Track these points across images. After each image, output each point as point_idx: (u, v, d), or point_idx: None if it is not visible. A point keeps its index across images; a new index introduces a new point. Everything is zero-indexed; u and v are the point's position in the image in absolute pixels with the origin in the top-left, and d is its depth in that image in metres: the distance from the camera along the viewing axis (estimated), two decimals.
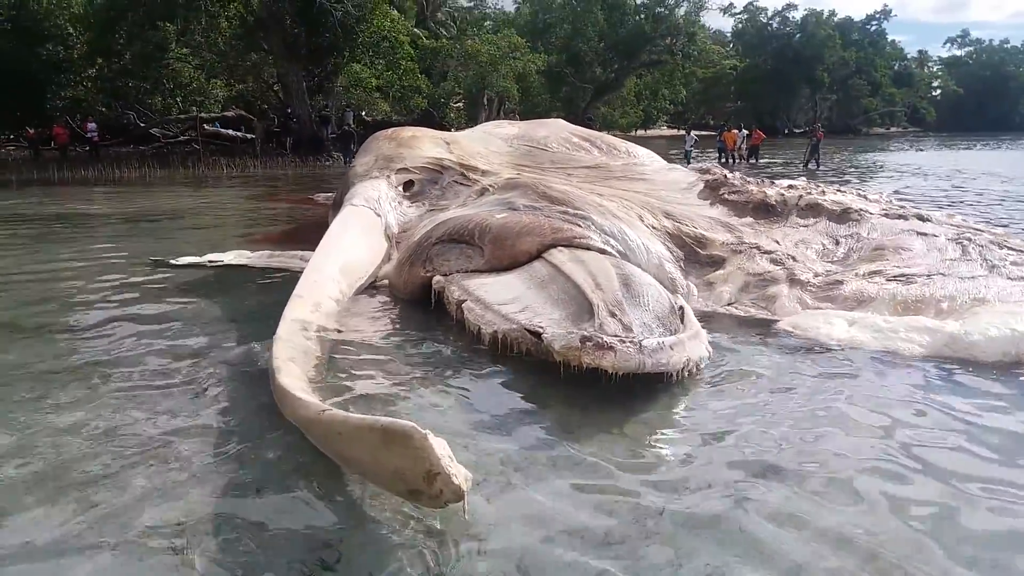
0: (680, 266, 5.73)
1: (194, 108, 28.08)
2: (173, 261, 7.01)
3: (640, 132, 48.79)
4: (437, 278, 5.24)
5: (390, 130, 7.85)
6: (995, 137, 55.32)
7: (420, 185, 6.89)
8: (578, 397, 3.73)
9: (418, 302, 5.42)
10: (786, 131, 54.27)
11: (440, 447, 2.47)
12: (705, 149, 28.84)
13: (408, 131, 7.73)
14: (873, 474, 2.96)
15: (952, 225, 6.18)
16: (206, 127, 27.48)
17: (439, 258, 5.38)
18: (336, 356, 4.32)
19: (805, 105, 59.12)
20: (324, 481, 2.92)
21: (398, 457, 2.52)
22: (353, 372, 4.10)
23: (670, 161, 10.26)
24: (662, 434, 3.40)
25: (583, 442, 3.27)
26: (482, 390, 3.91)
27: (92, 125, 25.19)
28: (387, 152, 7.10)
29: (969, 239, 5.68)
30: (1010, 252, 5.50)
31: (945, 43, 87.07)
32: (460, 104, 34.79)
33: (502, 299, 4.60)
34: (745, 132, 25.30)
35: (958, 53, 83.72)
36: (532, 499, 2.80)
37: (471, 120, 29.69)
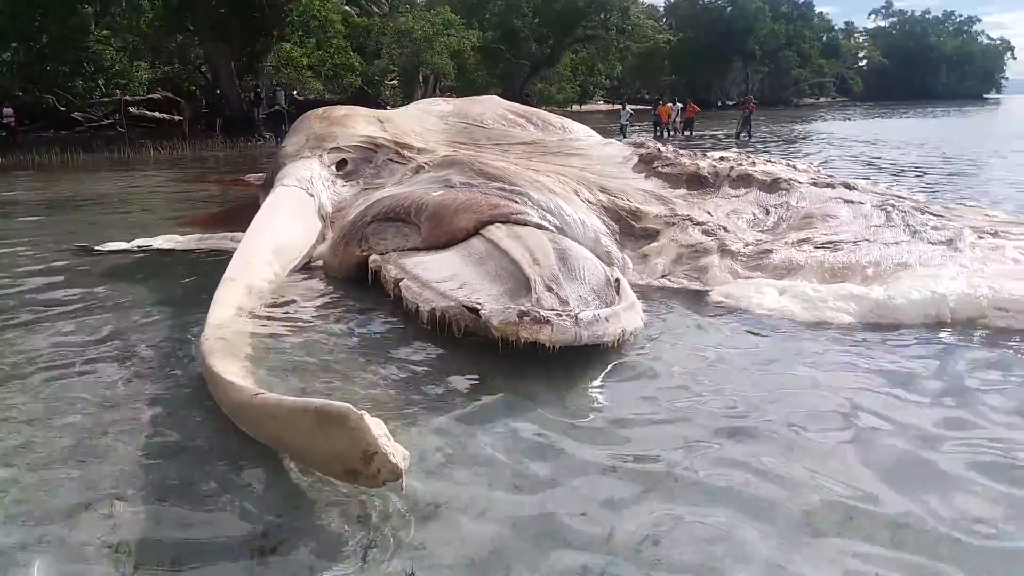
0: (616, 239, 5.78)
1: (118, 91, 27.02)
2: (99, 247, 6.77)
3: (577, 107, 48.85)
4: (373, 257, 5.17)
5: (321, 109, 7.68)
6: (920, 105, 57.23)
7: (354, 164, 6.77)
8: (516, 371, 3.74)
9: (354, 281, 5.35)
10: (719, 104, 55.09)
11: (376, 426, 2.45)
12: (640, 123, 29.09)
13: (340, 110, 7.58)
14: (805, 435, 3.05)
15: (877, 193, 6.38)
16: (132, 110, 26.52)
17: (375, 237, 5.31)
18: (270, 338, 4.24)
19: (738, 78, 60.06)
20: (257, 469, 2.87)
21: (334, 438, 2.49)
22: (288, 355, 4.03)
23: (607, 135, 10.32)
24: (600, 402, 3.45)
25: (522, 415, 3.29)
26: (420, 367, 3.90)
27: (8, 110, 24.04)
28: (319, 131, 6.95)
29: (893, 205, 5.87)
30: (931, 218, 5.70)
31: (870, 14, 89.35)
32: (395, 82, 34.27)
33: (440, 276, 4.57)
34: (679, 106, 25.57)
35: (882, 24, 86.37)
36: (472, 475, 2.80)
37: (407, 98, 29.26)
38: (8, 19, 22.76)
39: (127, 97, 26.94)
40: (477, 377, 3.76)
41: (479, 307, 3.98)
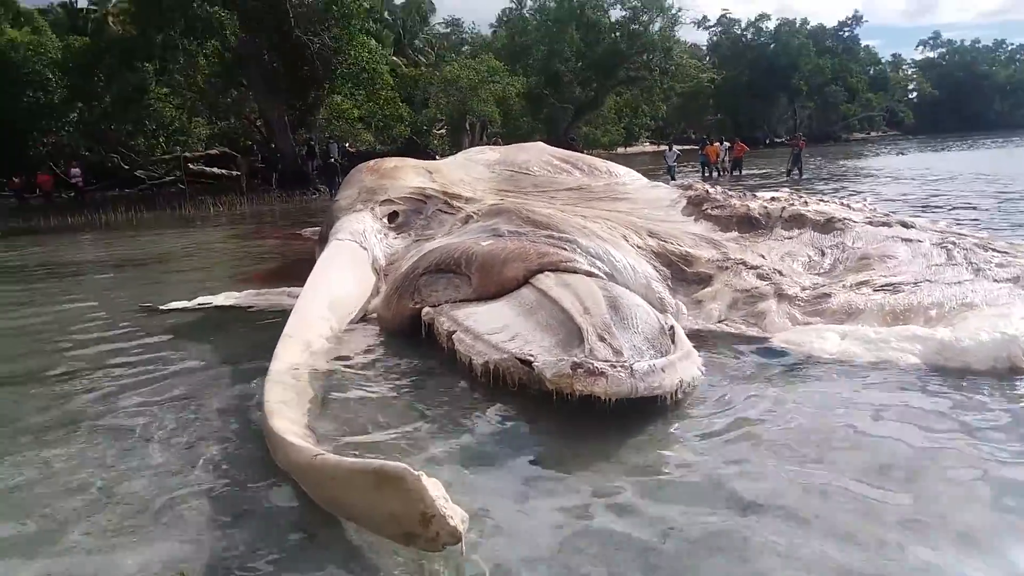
0: (668, 285, 5.73)
1: (177, 148, 28.11)
2: (162, 307, 6.96)
3: (623, 150, 49.06)
4: (426, 309, 5.21)
5: (372, 162, 7.86)
6: (973, 136, 55.94)
7: (404, 216, 6.89)
8: (573, 425, 3.70)
9: (408, 335, 5.39)
10: (767, 141, 54.70)
11: (434, 488, 2.44)
12: (688, 163, 29.03)
13: (390, 162, 7.75)
14: (874, 503, 2.94)
15: (936, 230, 6.21)
16: (191, 166, 27.50)
17: (427, 289, 5.36)
18: (329, 396, 4.29)
19: (784, 114, 59.67)
20: (326, 535, 2.86)
21: (392, 500, 2.49)
22: (347, 413, 4.06)
23: (654, 177, 10.30)
24: (661, 460, 3.37)
25: (578, 473, 3.24)
26: (477, 423, 3.88)
27: (76, 170, 25.19)
28: (370, 184, 7.11)
29: (953, 243, 5.71)
30: (995, 254, 5.53)
31: (918, 46, 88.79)
32: (443, 131, 34.93)
33: (491, 328, 4.58)
34: (727, 145, 25.48)
35: (931, 55, 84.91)
36: (530, 536, 2.76)
37: (454, 146, 29.80)
38: (76, 80, 23.98)
39: (187, 154, 28.00)
40: (531, 435, 3.73)
41: (532, 359, 3.97)
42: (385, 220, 6.82)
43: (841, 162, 30.07)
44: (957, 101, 75.56)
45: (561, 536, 2.75)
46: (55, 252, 13.18)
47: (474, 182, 7.61)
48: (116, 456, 3.64)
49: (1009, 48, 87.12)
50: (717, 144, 25.32)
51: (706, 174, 23.86)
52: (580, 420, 3.71)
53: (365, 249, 6.31)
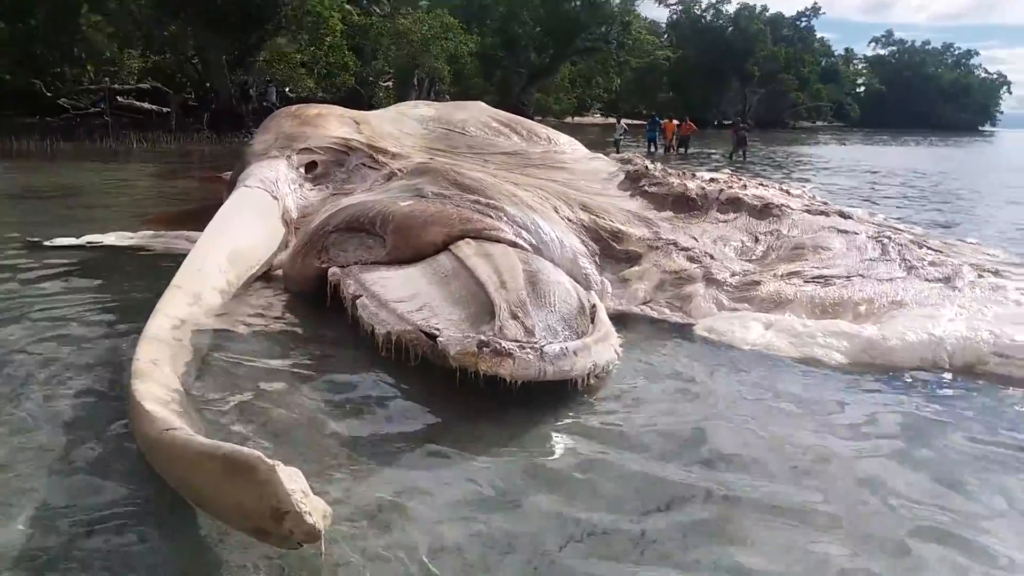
0: (595, 261, 5.45)
1: (106, 79, 26.55)
2: (47, 243, 6.39)
3: (573, 119, 48.75)
4: (333, 270, 4.80)
5: (294, 107, 7.36)
6: (915, 134, 57.36)
7: (324, 167, 6.43)
8: (474, 406, 3.41)
9: (314, 296, 4.99)
10: (716, 123, 54.99)
11: (291, 480, 2.10)
12: (636, 138, 28.86)
13: (313, 108, 7.25)
14: (784, 493, 2.72)
15: (873, 223, 6.09)
16: (120, 99, 26.05)
17: (336, 248, 4.95)
18: (211, 359, 3.88)
19: (735, 98, 59.93)
20: (172, 520, 2.50)
21: (241, 492, 2.14)
22: (228, 380, 3.67)
23: (601, 149, 9.99)
24: (564, 449, 3.10)
25: (480, 459, 2.95)
26: (373, 400, 3.55)
27: None
28: (288, 130, 6.61)
29: (889, 238, 5.58)
30: (929, 252, 5.41)
31: (870, 42, 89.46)
32: (390, 84, 33.94)
33: (400, 295, 4.22)
34: (676, 122, 25.34)
35: (882, 52, 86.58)
36: (430, 525, 2.46)
37: (401, 100, 28.96)
38: None
39: (116, 85, 26.50)
40: (431, 413, 3.42)
41: (437, 333, 3.64)
42: (302, 170, 6.35)
43: (785, 148, 30.33)
44: (902, 99, 77.32)
45: (460, 526, 2.48)
46: None
47: (404, 137, 7.17)
48: None
49: (956, 52, 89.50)
50: (676, 122, 25.09)
51: (652, 150, 23.73)
52: (485, 401, 3.42)
53: (276, 199, 5.85)
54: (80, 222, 7.78)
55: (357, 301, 4.30)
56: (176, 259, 5.72)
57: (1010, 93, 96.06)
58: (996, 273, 5.00)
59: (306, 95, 26.90)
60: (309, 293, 5.03)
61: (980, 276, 4.90)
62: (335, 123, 6.91)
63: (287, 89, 28.35)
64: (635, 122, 37.97)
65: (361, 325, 4.16)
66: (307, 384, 3.68)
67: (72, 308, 4.75)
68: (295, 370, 3.88)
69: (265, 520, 2.11)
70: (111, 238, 6.60)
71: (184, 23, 24.46)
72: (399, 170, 6.22)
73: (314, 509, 2.12)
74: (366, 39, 31.82)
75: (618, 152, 19.29)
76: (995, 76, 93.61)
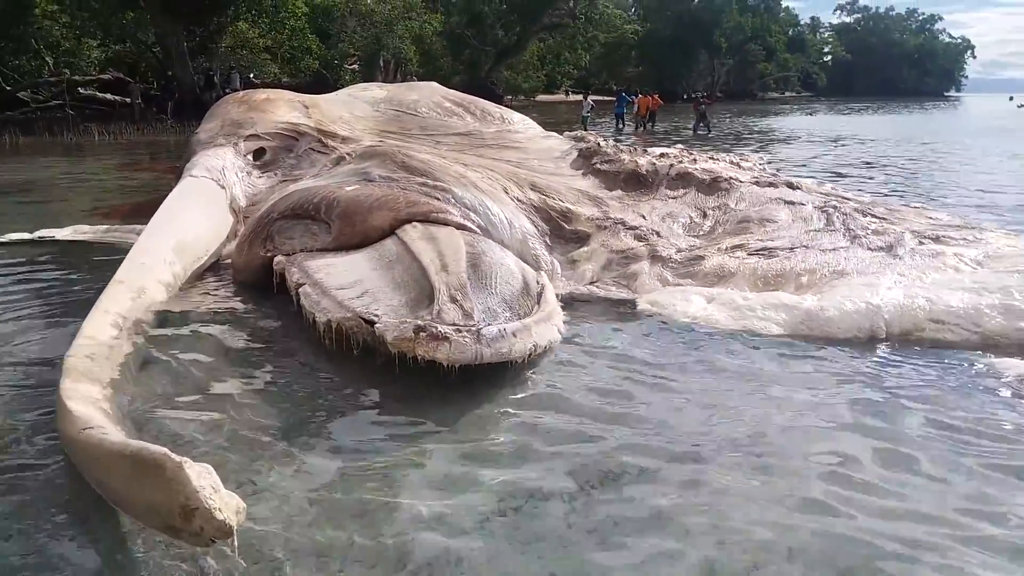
0: (545, 242, 5.46)
1: (66, 70, 25.99)
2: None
3: (544, 96, 48.53)
4: (278, 258, 4.76)
5: (241, 92, 7.26)
6: (882, 101, 57.74)
7: (272, 153, 6.35)
8: (418, 391, 3.41)
9: (262, 286, 4.95)
10: (685, 96, 54.99)
11: (199, 477, 2.09)
12: (604, 113, 28.80)
13: (262, 93, 7.15)
14: (725, 461, 2.75)
15: (821, 193, 6.13)
16: (80, 91, 25.54)
17: (281, 236, 4.90)
18: (152, 355, 3.84)
19: (704, 70, 59.96)
20: (95, 520, 2.48)
21: (151, 489, 2.13)
22: (169, 376, 3.64)
23: (570, 126, 9.94)
24: (501, 429, 3.12)
25: (416, 445, 2.96)
26: (313, 391, 3.53)
27: None
28: (235, 117, 6.51)
29: (835, 207, 5.63)
30: (873, 220, 5.47)
31: (835, 10, 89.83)
32: (355, 67, 33.55)
33: (343, 282, 4.20)
34: (638, 96, 25.31)
35: (847, 20, 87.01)
36: (363, 519, 2.46)
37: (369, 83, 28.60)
38: None
39: (76, 77, 25.96)
40: (371, 400, 3.43)
41: (375, 320, 3.63)
42: (250, 157, 6.27)
43: (752, 120, 30.44)
44: (869, 66, 77.87)
45: (395, 511, 2.49)
46: None
47: (355, 121, 7.10)
48: None
49: (920, 18, 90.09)
50: (650, 97, 25.01)
51: (620, 126, 23.69)
52: (425, 386, 3.42)
53: (223, 188, 5.78)
54: (36, 217, 7.64)
55: (300, 289, 4.27)
56: (123, 252, 5.66)
57: (974, 58, 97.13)
58: (936, 239, 5.07)
59: (270, 80, 26.55)
60: (257, 283, 5.00)
61: (921, 243, 4.96)
62: (284, 108, 6.82)
63: (251, 75, 27.94)
64: (605, 98, 37.89)
65: (303, 314, 4.14)
66: (247, 376, 3.67)
67: (16, 304, 4.68)
68: (237, 362, 3.86)
69: (175, 517, 2.10)
70: (66, 232, 6.50)
71: (141, 10, 23.98)
72: (348, 154, 6.17)
73: (225, 505, 2.11)
74: (330, 21, 31.41)
75: (585, 129, 19.27)
76: (959, 41, 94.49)
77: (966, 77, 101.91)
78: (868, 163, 14.12)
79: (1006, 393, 3.45)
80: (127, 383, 3.45)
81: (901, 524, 2.43)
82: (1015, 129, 26.74)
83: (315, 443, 3.00)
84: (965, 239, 5.15)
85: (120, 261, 4.94)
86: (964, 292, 4.26)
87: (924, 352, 3.93)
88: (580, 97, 28.48)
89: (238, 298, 4.90)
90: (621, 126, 23.74)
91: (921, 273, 4.54)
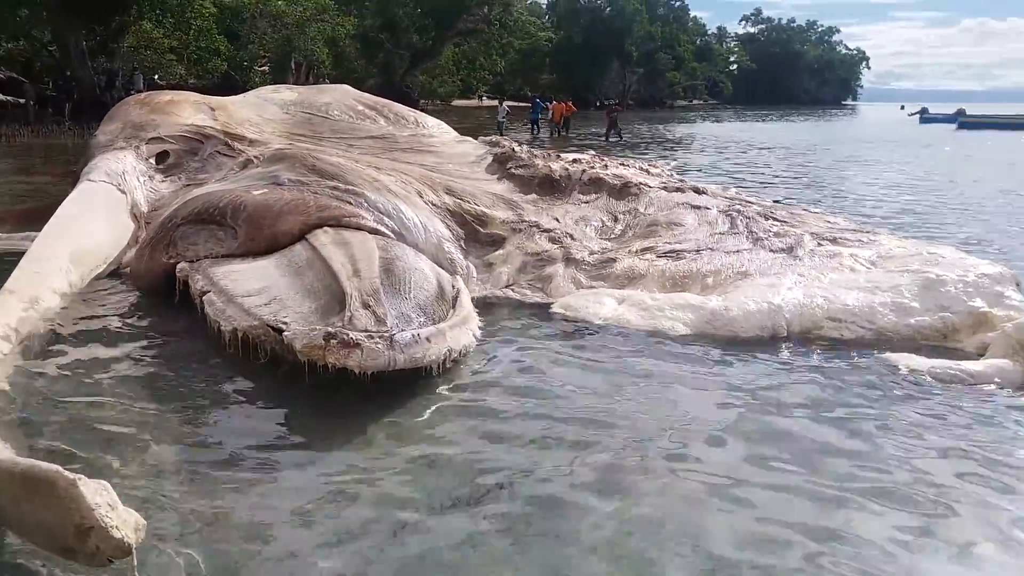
0: (461, 245, 5.46)
1: None
2: None
3: (462, 102, 48.60)
4: (181, 265, 4.60)
5: (143, 94, 6.99)
6: (784, 109, 60.19)
7: (176, 157, 6.14)
8: (328, 401, 3.35)
9: (165, 294, 4.76)
10: (598, 103, 55.99)
11: (95, 494, 2.00)
12: (519, 120, 29.02)
13: (165, 95, 6.90)
14: (638, 463, 2.81)
15: (725, 197, 6.33)
16: None
17: (185, 241, 4.74)
18: (45, 366, 3.66)
19: (616, 78, 61.14)
20: None
21: (43, 508, 2.02)
22: (62, 384, 3.47)
23: (485, 131, 9.94)
24: (416, 438, 3.09)
25: (326, 458, 2.90)
26: (218, 402, 3.43)
27: None
28: (137, 119, 6.26)
29: (738, 211, 5.82)
30: (775, 223, 5.68)
31: (741, 20, 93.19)
32: (265, 69, 32.80)
33: (250, 289, 4.09)
34: (553, 103, 25.65)
35: (752, 30, 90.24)
36: (234, 538, 2.39)
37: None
38: None
39: None
40: (280, 412, 3.35)
41: (283, 327, 3.55)
42: (152, 161, 6.05)
43: (662, 128, 31.23)
44: (772, 76, 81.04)
45: (292, 526, 2.43)
46: None
47: (264, 123, 6.94)
48: None
49: (820, 29, 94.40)
50: (563, 104, 25.31)
51: (535, 132, 23.95)
52: (337, 395, 3.37)
53: (123, 192, 5.55)
54: None
55: (204, 297, 4.15)
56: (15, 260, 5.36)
57: (869, 68, 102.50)
58: (834, 241, 5.31)
59: (176, 82, 25.68)
60: (159, 291, 4.82)
61: (819, 244, 5.19)
62: (189, 110, 6.60)
63: (156, 76, 26.97)
64: (521, 104, 38.20)
65: (208, 322, 4.01)
66: (147, 388, 3.53)
67: None
68: (135, 374, 3.72)
69: (69, 537, 2.01)
70: None
71: (37, 6, 22.78)
72: (256, 157, 6.02)
73: (123, 522, 2.02)
74: (239, 22, 30.60)
75: (501, 134, 19.39)
76: (855, 52, 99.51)
77: (862, 87, 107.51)
78: (770, 168, 14.70)
79: (899, 388, 3.62)
80: (17, 397, 3.28)
81: (796, 516, 2.53)
82: (906, 138, 28.35)
83: (219, 457, 2.90)
84: (860, 241, 5.41)
85: (11, 270, 4.71)
86: (859, 291, 4.47)
87: (823, 349, 4.10)
88: (495, 103, 28.69)
89: (138, 307, 4.71)
90: (536, 132, 24.03)
91: (819, 273, 4.74)
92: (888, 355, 3.98)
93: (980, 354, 3.97)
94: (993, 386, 3.63)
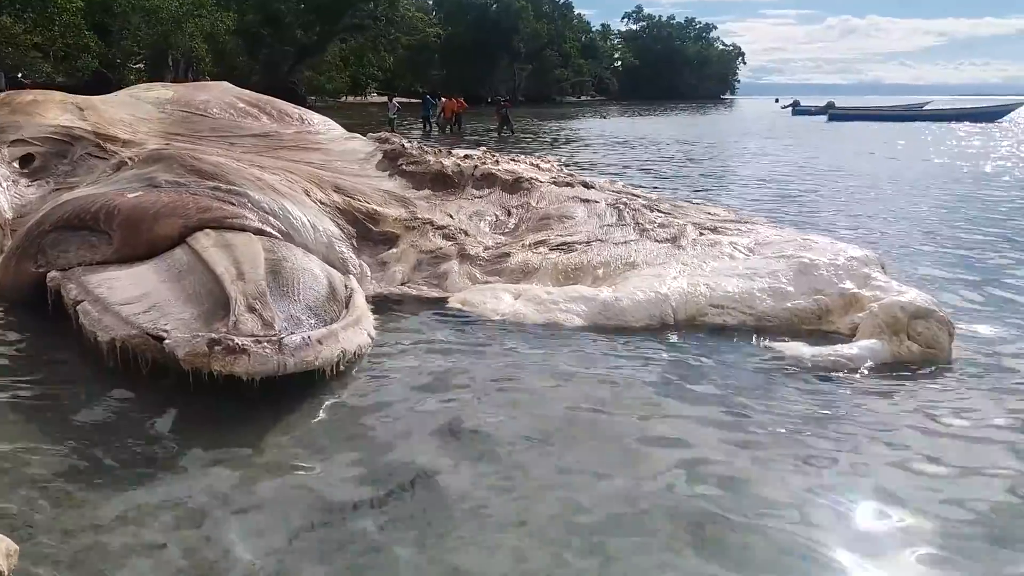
0: (352, 244, 5.36)
1: None
2: None
3: (351, 99, 47.78)
4: (52, 274, 4.31)
5: (4, 94, 6.52)
6: (666, 104, 62.19)
7: (43, 159, 5.77)
8: (213, 410, 3.23)
9: (33, 305, 4.47)
10: (489, 99, 56.24)
11: None
12: (410, 116, 28.80)
13: (28, 94, 6.48)
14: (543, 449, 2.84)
15: (612, 191, 6.49)
16: None
17: (55, 249, 4.45)
18: None
19: (505, 75, 61.61)
20: None
21: None
22: None
23: (376, 128, 9.81)
24: (306, 443, 3.02)
25: (212, 471, 2.79)
26: (87, 420, 3.23)
27: None
28: None
29: (625, 204, 5.97)
30: (659, 215, 5.86)
31: (623, 18, 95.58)
32: (141, 66, 31.26)
33: (127, 297, 3.88)
34: (443, 100, 25.61)
35: (634, 28, 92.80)
36: (126, 563, 2.27)
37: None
38: None
39: None
40: (161, 423, 3.20)
41: (164, 335, 3.40)
42: (16, 164, 5.66)
43: (551, 124, 31.72)
44: (655, 71, 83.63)
45: (192, 549, 2.31)
46: None
47: (138, 123, 6.61)
48: None
49: (698, 26, 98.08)
50: (455, 100, 25.23)
51: (427, 128, 23.84)
52: (227, 403, 3.24)
53: None
54: None
55: (78, 307, 3.91)
56: None
57: (744, 63, 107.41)
58: (714, 230, 5.53)
59: (43, 81, 24.08)
60: (28, 302, 4.51)
61: (701, 234, 5.39)
62: (54, 110, 6.21)
63: (19, 75, 25.21)
64: (411, 101, 37.89)
65: (84, 333, 3.79)
66: (14, 409, 3.30)
67: None
68: (3, 390, 3.46)
69: None
70: None
71: None
72: (131, 159, 5.73)
73: None
74: (111, 17, 29.01)
75: (393, 131, 19.19)
76: (731, 48, 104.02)
77: (739, 81, 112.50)
78: (653, 161, 15.17)
79: (779, 371, 3.80)
80: None
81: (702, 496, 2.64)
82: (781, 130, 29.84)
83: (98, 476, 2.75)
84: (739, 229, 5.65)
85: None
86: (739, 278, 4.66)
87: (708, 335, 4.26)
88: (385, 99, 28.36)
89: (5, 319, 4.41)
90: (428, 128, 23.93)
91: (702, 262, 4.93)
92: (771, 342, 4.10)
93: (852, 333, 4.20)
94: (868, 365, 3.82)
